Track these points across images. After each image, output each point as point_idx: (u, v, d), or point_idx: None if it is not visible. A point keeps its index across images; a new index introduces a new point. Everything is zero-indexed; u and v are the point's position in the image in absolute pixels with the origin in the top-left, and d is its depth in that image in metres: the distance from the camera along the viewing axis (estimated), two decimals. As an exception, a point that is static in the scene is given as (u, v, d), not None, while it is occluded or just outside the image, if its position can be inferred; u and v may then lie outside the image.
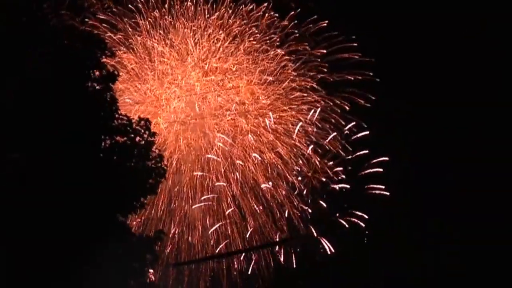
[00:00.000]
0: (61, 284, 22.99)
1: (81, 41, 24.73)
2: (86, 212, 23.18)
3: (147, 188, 25.49)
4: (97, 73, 25.09)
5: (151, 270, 28.03)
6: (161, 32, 41.53)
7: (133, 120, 25.45)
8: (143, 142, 25.45)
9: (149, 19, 41.45)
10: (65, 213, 22.62)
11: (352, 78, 42.27)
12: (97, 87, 24.96)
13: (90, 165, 23.81)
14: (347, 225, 41.71)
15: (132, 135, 25.28)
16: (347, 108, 42.24)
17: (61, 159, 23.44)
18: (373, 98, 42.18)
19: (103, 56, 25.22)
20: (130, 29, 41.79)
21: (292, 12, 42.24)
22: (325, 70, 42.44)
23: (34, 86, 23.70)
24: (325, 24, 42.22)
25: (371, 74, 42.26)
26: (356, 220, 41.61)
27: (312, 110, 41.99)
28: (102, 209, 23.82)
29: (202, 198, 41.42)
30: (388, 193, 41.39)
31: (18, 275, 21.76)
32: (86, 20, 39.06)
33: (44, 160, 23.57)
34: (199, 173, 41.68)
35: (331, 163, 42.54)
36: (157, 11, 41.21)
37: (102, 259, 23.36)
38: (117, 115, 25.19)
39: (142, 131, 25.44)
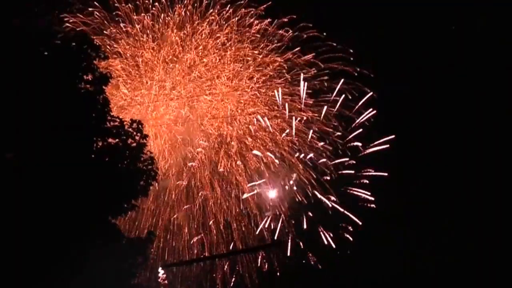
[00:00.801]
0: (51, 285, 23.04)
1: (75, 42, 24.83)
2: (77, 213, 23.26)
3: (138, 190, 25.61)
4: (90, 75, 25.16)
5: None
6: (149, 38, 41.66)
7: (125, 122, 25.56)
8: (135, 144, 25.62)
9: (137, 25, 41.57)
10: (56, 214, 22.67)
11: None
12: (90, 89, 25.04)
13: (82, 166, 23.93)
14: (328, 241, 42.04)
15: (124, 137, 25.43)
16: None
17: (53, 160, 23.52)
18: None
19: (97, 58, 25.28)
20: (117, 35, 41.94)
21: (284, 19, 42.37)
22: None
23: (26, 86, 23.74)
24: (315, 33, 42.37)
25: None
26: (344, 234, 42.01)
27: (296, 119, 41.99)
28: (93, 210, 23.91)
29: (185, 207, 41.54)
30: (374, 206, 41.64)
31: (8, 276, 21.74)
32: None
33: (36, 161, 23.66)
34: (183, 182, 41.68)
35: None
36: (145, 16, 41.33)
37: (92, 260, 23.48)
38: (109, 117, 25.31)
39: (134, 133, 25.60)
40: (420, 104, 43.93)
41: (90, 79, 25.08)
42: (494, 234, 39.70)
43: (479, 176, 42.57)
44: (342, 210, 41.56)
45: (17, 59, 24.04)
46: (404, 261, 39.30)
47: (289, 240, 42.31)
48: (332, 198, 41.67)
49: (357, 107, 42.22)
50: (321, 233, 42.08)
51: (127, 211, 25.66)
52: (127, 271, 25.01)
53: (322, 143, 42.39)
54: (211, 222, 41.68)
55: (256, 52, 42.13)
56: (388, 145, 42.05)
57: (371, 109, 42.15)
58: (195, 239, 41.49)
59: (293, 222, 42.66)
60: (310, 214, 42.17)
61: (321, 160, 41.85)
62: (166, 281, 36.68)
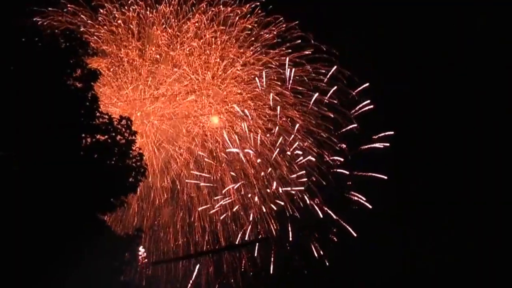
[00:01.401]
0: (41, 283, 22.93)
1: (63, 39, 24.80)
2: (67, 210, 23.21)
3: (127, 187, 25.62)
4: (79, 71, 25.15)
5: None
6: (134, 38, 41.65)
7: (114, 119, 25.58)
8: (124, 140, 25.62)
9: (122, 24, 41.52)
10: (45, 211, 22.60)
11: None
12: (79, 85, 25.02)
13: (70, 163, 23.87)
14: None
15: (113, 134, 25.43)
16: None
17: (41, 157, 23.45)
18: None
19: (85, 55, 25.30)
20: (101, 34, 41.84)
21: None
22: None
23: (14, 84, 23.66)
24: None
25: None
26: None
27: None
28: (82, 207, 23.86)
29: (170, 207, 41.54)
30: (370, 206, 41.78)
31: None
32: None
33: (24, 158, 23.58)
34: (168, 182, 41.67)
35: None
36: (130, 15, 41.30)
37: (81, 257, 23.44)
38: (98, 113, 25.29)
39: (123, 129, 25.61)
40: (420, 103, 44.21)
41: (78, 75, 25.07)
42: (494, 233, 39.65)
43: (479, 174, 42.72)
44: (335, 217, 41.73)
45: (5, 56, 24.07)
46: (404, 260, 38.96)
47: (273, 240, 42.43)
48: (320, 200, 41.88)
49: (354, 93, 42.23)
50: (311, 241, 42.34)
51: (116, 208, 25.61)
52: (116, 268, 24.98)
53: (311, 141, 42.47)
54: (196, 223, 41.69)
55: (241, 51, 42.27)
56: (388, 144, 42.14)
57: (368, 101, 42.13)
58: (180, 240, 41.48)
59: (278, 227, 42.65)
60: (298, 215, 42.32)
61: (307, 158, 41.79)
62: (146, 260, 36.29)
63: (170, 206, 41.33)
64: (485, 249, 38.81)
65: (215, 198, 41.27)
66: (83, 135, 24.98)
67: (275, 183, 41.41)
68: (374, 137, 42.11)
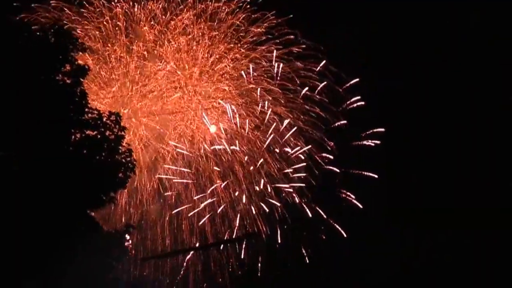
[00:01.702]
0: (36, 281, 22.88)
1: (53, 34, 24.70)
2: (58, 207, 23.16)
3: (116, 182, 25.65)
4: (68, 66, 25.09)
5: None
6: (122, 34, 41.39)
7: (104, 114, 25.52)
8: (113, 136, 25.59)
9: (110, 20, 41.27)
10: (38, 209, 22.53)
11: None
12: (68, 81, 24.94)
13: (60, 159, 23.81)
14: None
15: (102, 129, 25.39)
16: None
17: (31, 153, 23.38)
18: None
19: (75, 51, 25.21)
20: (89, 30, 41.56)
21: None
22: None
23: (3, 79, 23.54)
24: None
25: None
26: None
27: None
28: (73, 203, 23.84)
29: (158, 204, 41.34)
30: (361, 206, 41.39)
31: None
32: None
33: (13, 154, 23.47)
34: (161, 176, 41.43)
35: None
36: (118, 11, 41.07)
37: (75, 255, 23.41)
38: (87, 109, 25.27)
39: (112, 125, 25.57)
40: (411, 100, 43.92)
41: (67, 71, 25.01)
42: (491, 231, 39.05)
43: (473, 171, 42.50)
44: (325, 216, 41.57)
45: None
46: (399, 260, 38.04)
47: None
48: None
49: (342, 89, 41.81)
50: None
51: (105, 204, 25.56)
52: (109, 265, 25.00)
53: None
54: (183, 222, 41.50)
55: (229, 46, 42.18)
56: (378, 141, 41.82)
57: (358, 97, 41.65)
58: (167, 239, 41.34)
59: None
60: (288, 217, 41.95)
61: (296, 154, 41.75)
62: (130, 244, 35.75)
63: (157, 203, 41.14)
64: (483, 248, 38.35)
65: (201, 195, 41.06)
66: (72, 130, 24.92)
67: (262, 181, 41.34)
68: (363, 134, 41.93)
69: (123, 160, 25.59)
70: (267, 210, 41.04)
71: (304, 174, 41.24)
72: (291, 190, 41.38)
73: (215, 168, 41.32)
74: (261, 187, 41.11)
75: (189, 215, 41.01)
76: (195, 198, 40.89)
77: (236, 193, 41.31)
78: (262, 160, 41.56)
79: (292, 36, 41.98)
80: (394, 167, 42.13)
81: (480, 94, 44.34)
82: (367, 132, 41.93)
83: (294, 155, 41.25)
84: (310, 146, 41.66)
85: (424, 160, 43.52)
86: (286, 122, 41.53)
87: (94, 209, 25.79)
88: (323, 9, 43.38)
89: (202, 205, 40.58)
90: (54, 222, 23.19)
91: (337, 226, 41.19)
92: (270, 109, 41.17)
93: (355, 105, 41.64)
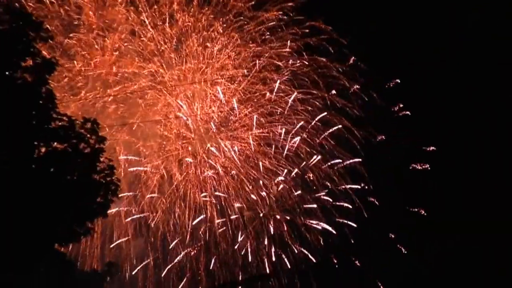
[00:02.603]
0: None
1: (10, 18, 19.04)
2: (14, 240, 17.89)
3: (93, 209, 20.05)
4: (29, 60, 19.45)
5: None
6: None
7: (76, 122, 19.89)
8: (88, 149, 19.99)
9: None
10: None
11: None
12: (29, 79, 19.31)
13: (19, 178, 18.38)
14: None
15: (75, 141, 19.77)
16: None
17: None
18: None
19: (38, 39, 19.56)
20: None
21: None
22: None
23: None
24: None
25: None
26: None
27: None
28: (34, 236, 18.47)
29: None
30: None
31: None
32: None
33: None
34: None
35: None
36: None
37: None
38: (55, 115, 19.63)
39: (88, 135, 19.99)
40: (412, 98, 41.38)
41: (29, 66, 19.43)
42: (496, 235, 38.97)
43: (480, 174, 41.42)
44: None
45: None
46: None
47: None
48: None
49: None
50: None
51: (80, 237, 19.81)
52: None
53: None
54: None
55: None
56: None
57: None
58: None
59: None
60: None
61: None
62: None
63: (139, 238, 34.84)
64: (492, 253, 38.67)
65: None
66: (36, 142, 19.29)
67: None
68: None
69: (103, 180, 20.02)
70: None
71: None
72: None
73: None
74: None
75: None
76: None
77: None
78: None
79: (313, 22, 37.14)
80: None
81: (480, 92, 43.36)
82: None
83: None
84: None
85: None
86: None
87: (64, 243, 20.13)
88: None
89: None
90: (12, 261, 17.77)
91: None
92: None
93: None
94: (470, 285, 38.32)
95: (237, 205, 35.95)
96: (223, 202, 35.68)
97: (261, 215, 36.40)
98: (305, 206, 37.21)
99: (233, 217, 36.03)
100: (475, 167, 41.81)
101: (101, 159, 20.18)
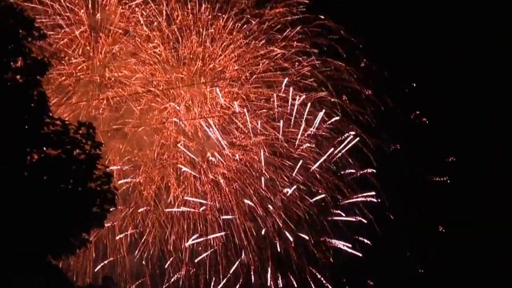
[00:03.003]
0: None
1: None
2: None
3: (89, 220, 18.90)
4: (20, 61, 18.49)
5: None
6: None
7: (71, 126, 18.73)
8: (84, 156, 18.83)
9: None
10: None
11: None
12: (20, 80, 18.24)
13: (10, 187, 17.28)
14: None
15: (69, 147, 18.61)
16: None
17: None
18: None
19: (30, 39, 18.42)
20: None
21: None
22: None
23: None
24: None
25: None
26: None
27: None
28: (26, 248, 17.42)
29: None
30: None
31: None
32: None
33: None
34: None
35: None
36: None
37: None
38: (48, 119, 18.51)
39: (83, 141, 18.83)
40: (419, 99, 40.80)
41: (20, 66, 18.44)
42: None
43: (504, 188, 39.89)
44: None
45: None
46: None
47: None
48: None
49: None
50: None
51: (75, 249, 18.70)
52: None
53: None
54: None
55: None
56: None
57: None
58: None
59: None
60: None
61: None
62: None
63: (134, 252, 33.50)
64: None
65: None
66: (28, 149, 18.19)
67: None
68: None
69: (99, 189, 18.85)
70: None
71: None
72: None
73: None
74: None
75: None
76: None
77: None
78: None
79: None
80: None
81: (486, 93, 42.58)
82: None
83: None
84: None
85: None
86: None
87: (58, 256, 18.97)
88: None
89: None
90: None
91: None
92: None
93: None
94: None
95: (239, 218, 34.94)
96: (224, 216, 34.73)
97: (264, 230, 35.22)
98: (312, 220, 36.42)
99: (235, 232, 35.04)
100: (498, 179, 40.66)
101: (98, 166, 19.07)
